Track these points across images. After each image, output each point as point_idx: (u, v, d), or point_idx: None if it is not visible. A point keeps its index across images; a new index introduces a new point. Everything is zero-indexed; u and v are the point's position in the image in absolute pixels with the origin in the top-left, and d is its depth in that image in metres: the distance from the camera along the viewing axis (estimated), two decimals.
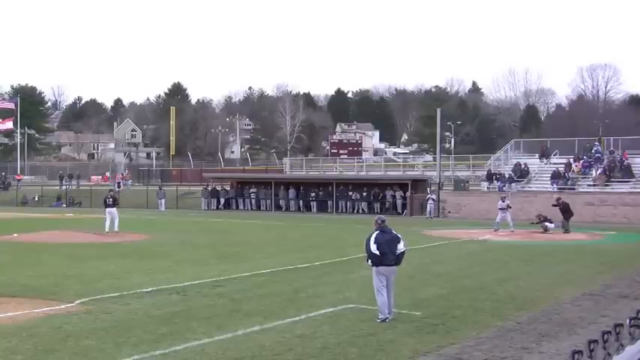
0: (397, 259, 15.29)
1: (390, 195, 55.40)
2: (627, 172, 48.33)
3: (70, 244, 30.83)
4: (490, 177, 53.10)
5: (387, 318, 14.90)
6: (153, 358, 11.88)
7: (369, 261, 15.30)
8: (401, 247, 15.30)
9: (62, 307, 16.20)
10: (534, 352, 12.47)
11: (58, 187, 77.63)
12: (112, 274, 21.57)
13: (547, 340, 13.30)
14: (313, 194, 59.40)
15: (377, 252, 15.05)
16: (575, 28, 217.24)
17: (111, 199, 37.12)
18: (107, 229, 36.16)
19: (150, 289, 18.77)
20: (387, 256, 15.11)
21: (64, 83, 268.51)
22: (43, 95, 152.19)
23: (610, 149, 52.41)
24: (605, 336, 2.26)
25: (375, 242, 15.15)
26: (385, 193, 56.09)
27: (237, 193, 63.33)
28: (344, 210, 57.28)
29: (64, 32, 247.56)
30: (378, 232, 15.39)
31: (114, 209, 36.77)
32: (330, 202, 58.10)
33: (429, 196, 51.90)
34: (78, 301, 16.72)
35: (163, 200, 61.95)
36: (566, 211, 37.22)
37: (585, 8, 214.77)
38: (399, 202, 54.56)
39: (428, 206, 51.22)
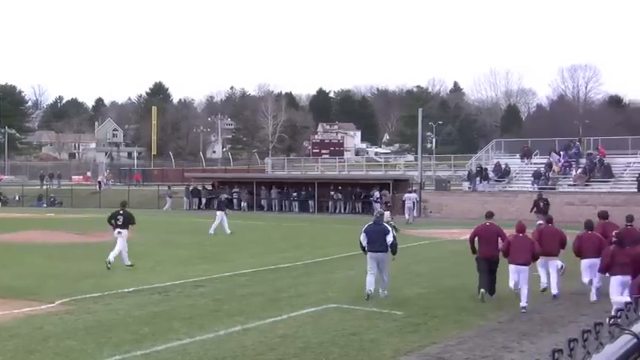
0: (391, 249, 17.63)
1: (372, 194, 55.37)
2: (607, 172, 48.61)
3: (51, 244, 30.70)
4: (471, 177, 53.27)
5: (368, 294, 17.18)
6: (134, 358, 11.87)
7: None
8: (389, 238, 17.54)
9: (43, 307, 16.14)
10: (515, 350, 12.55)
11: (38, 187, 77.21)
12: (93, 274, 21.48)
13: (528, 339, 13.39)
14: (295, 194, 59.42)
15: (363, 242, 17.66)
16: (555, 29, 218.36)
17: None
18: (213, 231, 36.49)
19: (131, 289, 18.74)
20: (373, 244, 17.49)
21: (44, 82, 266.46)
22: (23, 94, 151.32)
23: (588, 152, 52.69)
24: (585, 335, 2.29)
25: (364, 232, 17.76)
26: (367, 192, 56.14)
27: (219, 192, 63.23)
28: (325, 210, 57.30)
29: (45, 31, 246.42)
30: (370, 223, 18.11)
31: (221, 212, 37.39)
32: (311, 202, 58.14)
33: (407, 195, 47.68)
34: (59, 302, 16.67)
35: (170, 200, 62.21)
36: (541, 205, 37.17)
37: (566, 9, 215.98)
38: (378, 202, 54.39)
39: (406, 208, 46.59)
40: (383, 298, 17.28)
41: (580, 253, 17.61)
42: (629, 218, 18.96)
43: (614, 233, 16.03)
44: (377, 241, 17.53)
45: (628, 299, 12.76)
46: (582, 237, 17.81)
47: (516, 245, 16.73)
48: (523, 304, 16.15)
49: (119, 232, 23.56)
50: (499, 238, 17.63)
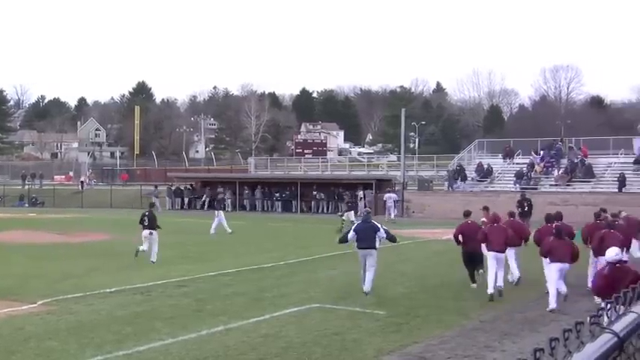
0: (390, 240, 19.10)
1: (354, 194, 55.43)
2: (588, 173, 48.88)
3: (33, 245, 30.54)
4: (462, 176, 53.41)
5: (365, 291, 17.87)
6: (116, 358, 11.83)
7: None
8: (381, 234, 18.54)
9: (24, 307, 16.06)
10: (497, 350, 12.59)
11: (20, 187, 76.82)
12: (75, 275, 21.41)
13: (509, 339, 13.44)
14: (278, 194, 59.41)
15: (352, 238, 18.64)
16: (538, 30, 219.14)
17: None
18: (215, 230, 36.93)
19: (113, 290, 18.67)
20: (362, 241, 18.39)
21: (26, 82, 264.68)
22: (5, 94, 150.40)
23: (570, 145, 53.06)
24: (566, 334, 2.29)
25: (354, 231, 18.76)
26: (350, 192, 56.18)
27: (202, 193, 63.06)
28: (308, 210, 57.32)
29: (27, 30, 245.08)
30: (360, 221, 19.32)
31: (220, 211, 38.03)
32: (294, 202, 58.15)
33: (387, 195, 49.29)
34: (40, 302, 16.58)
35: (157, 200, 62.07)
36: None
37: (548, 10, 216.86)
38: (361, 201, 54.45)
39: (387, 208, 48.39)
40: (365, 294, 17.74)
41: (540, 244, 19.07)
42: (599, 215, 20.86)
43: (553, 226, 18.49)
44: (366, 238, 18.42)
45: (564, 287, 16.53)
46: (542, 230, 19.61)
47: (492, 234, 18.78)
48: (499, 283, 18.42)
49: (150, 233, 24.99)
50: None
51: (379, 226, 19.02)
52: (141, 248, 24.81)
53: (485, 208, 22.68)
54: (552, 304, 16.33)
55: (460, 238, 19.93)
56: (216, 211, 38.04)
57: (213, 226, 36.82)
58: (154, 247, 24.85)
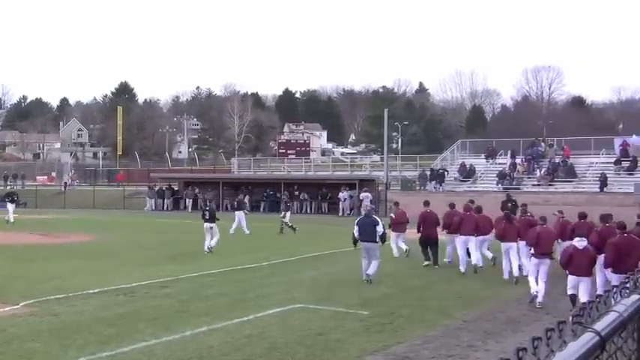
0: (380, 239, 20.17)
1: (338, 195, 55.47)
2: (570, 173, 49.10)
3: (15, 245, 30.40)
4: (434, 177, 53.50)
5: (366, 279, 19.87)
6: (100, 359, 11.79)
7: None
8: (379, 229, 20.04)
9: (6, 309, 15.96)
10: (480, 349, 12.64)
11: (2, 188, 76.33)
12: (57, 276, 21.30)
13: (493, 338, 13.49)
14: (265, 194, 59.32)
15: (356, 233, 20.35)
16: (519, 31, 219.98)
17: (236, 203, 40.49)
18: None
19: (96, 290, 18.60)
20: (364, 235, 20.16)
21: (8, 82, 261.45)
22: None
23: (550, 143, 53.32)
24: (549, 333, 2.31)
25: (356, 224, 20.61)
26: (333, 192, 56.19)
27: (187, 193, 62.91)
28: (292, 210, 57.24)
29: (8, 29, 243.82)
30: (362, 216, 21.34)
31: (241, 212, 38.30)
32: (279, 202, 58.03)
33: (364, 194, 49.81)
34: (23, 303, 16.50)
35: (152, 200, 61.89)
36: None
37: (529, 11, 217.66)
38: (347, 202, 54.48)
39: (363, 205, 49.37)
40: (368, 277, 19.84)
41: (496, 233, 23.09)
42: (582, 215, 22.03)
43: (504, 213, 23.01)
44: (367, 232, 20.10)
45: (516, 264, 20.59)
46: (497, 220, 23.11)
47: (464, 222, 22.83)
48: (475, 261, 22.43)
49: (210, 227, 28.13)
50: (438, 221, 24.47)
51: (379, 221, 20.58)
52: (207, 244, 27.77)
53: (396, 204, 27.81)
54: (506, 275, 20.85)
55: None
56: (236, 212, 38.05)
57: (244, 226, 37.03)
58: (215, 238, 28.03)
